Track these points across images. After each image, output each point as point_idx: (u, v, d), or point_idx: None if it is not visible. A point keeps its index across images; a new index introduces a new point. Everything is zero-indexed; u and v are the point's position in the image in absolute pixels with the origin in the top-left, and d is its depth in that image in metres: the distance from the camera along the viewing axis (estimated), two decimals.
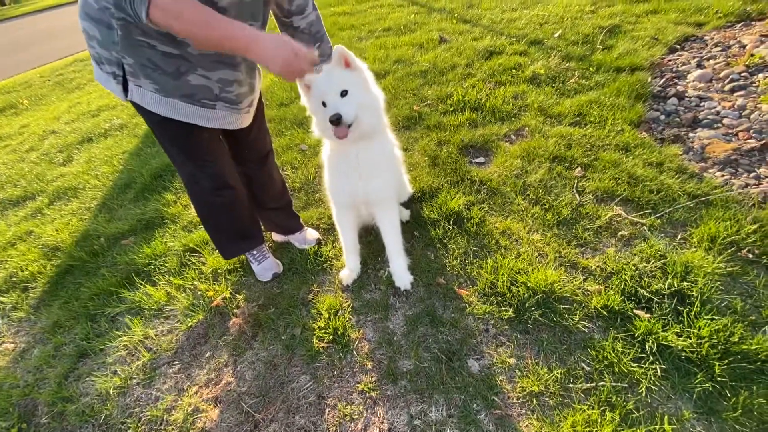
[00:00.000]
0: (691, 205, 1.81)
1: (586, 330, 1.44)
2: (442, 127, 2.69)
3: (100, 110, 4.28)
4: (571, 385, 1.30)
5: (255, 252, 1.83)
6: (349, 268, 1.74)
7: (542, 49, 3.48)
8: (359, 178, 1.48)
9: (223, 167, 1.52)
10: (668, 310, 1.44)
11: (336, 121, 1.25)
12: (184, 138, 1.39)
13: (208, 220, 1.70)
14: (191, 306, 1.79)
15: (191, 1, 0.97)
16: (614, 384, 1.28)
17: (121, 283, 1.95)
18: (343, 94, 1.28)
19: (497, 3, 4.99)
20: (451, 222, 1.94)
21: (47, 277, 2.15)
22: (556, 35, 3.68)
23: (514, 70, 3.21)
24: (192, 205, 1.94)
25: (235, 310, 1.74)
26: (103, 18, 1.09)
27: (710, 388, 1.22)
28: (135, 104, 1.28)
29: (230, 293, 1.82)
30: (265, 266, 1.83)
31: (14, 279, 2.17)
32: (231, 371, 1.54)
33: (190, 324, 1.72)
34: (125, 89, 1.22)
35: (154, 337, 1.71)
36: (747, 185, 1.88)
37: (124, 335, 1.73)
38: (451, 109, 2.86)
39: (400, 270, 1.69)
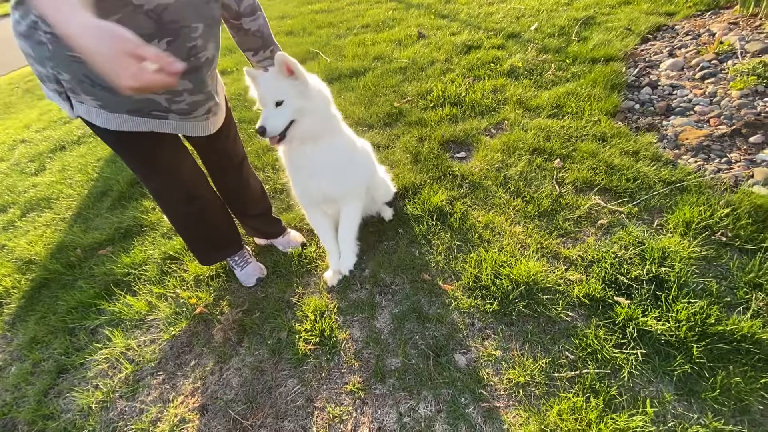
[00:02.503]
0: (667, 192, 1.85)
1: (569, 319, 1.46)
2: (423, 123, 2.69)
3: None
4: (556, 374, 1.32)
5: (237, 258, 1.80)
6: (332, 269, 1.73)
7: (519, 43, 3.51)
8: (310, 177, 1.46)
9: (190, 176, 1.47)
10: (647, 295, 1.47)
11: (260, 133, 1.26)
12: (145, 151, 1.30)
13: (183, 231, 1.63)
14: (174, 314, 1.75)
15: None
16: (597, 371, 1.31)
17: (100, 294, 1.89)
18: (279, 104, 1.26)
19: None
20: (434, 218, 1.95)
21: (22, 292, 2.08)
22: (532, 28, 3.71)
23: (492, 64, 3.23)
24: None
25: (219, 317, 1.71)
26: (33, 35, 1.01)
27: (689, 370, 1.26)
28: (86, 121, 1.18)
29: (213, 300, 1.79)
30: (248, 271, 1.80)
31: None
32: (217, 379, 1.51)
33: (173, 333, 1.69)
34: (72, 106, 1.14)
35: (137, 348, 1.67)
36: (719, 170, 1.93)
37: (105, 348, 1.68)
38: (432, 104, 2.87)
39: (343, 255, 1.58)
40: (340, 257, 1.59)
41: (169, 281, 1.90)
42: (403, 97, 3.05)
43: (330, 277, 1.73)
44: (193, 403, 1.46)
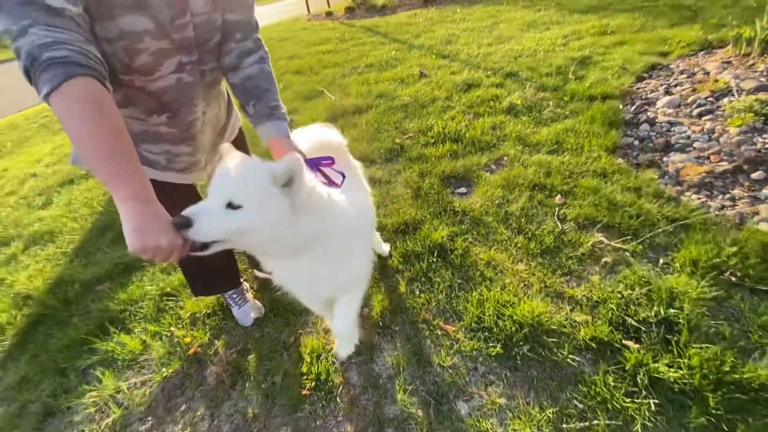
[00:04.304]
0: (671, 229, 1.82)
1: (575, 364, 1.40)
2: (424, 158, 2.72)
3: None
4: (564, 426, 1.25)
5: (235, 295, 1.77)
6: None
7: (518, 81, 3.61)
8: (301, 286, 1.21)
9: None
10: (657, 339, 1.41)
11: (177, 225, 0.84)
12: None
13: (182, 266, 1.64)
14: (167, 354, 1.70)
15: (97, 117, 0.77)
16: (609, 422, 1.23)
17: (94, 332, 1.85)
18: (233, 206, 0.86)
19: (473, 39, 5.23)
20: (435, 254, 1.92)
21: (17, 329, 2.04)
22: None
23: (491, 102, 3.31)
24: None
25: (212, 357, 1.66)
26: None
27: (706, 422, 1.18)
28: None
29: (209, 339, 1.74)
30: (246, 310, 1.76)
31: None
32: (207, 426, 1.44)
33: (165, 374, 1.63)
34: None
35: (126, 391, 1.61)
36: (723, 207, 1.91)
37: (94, 390, 1.62)
38: (432, 140, 2.91)
39: (341, 343, 1.39)
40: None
41: (164, 319, 1.86)
42: (404, 133, 3.11)
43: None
44: None
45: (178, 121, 1.16)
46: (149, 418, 1.51)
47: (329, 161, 1.17)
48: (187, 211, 0.85)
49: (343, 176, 1.20)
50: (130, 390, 1.61)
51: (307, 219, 0.93)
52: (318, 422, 1.38)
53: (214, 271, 1.68)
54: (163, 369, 1.65)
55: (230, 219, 0.86)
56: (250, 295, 1.83)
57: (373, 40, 6.36)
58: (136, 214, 0.79)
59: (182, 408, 1.52)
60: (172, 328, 1.81)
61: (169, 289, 2.00)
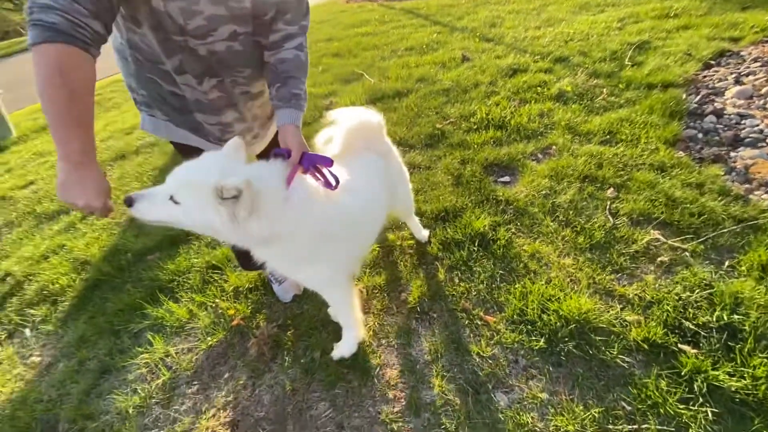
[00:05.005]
0: (738, 230, 1.69)
1: (625, 365, 1.33)
2: (466, 145, 2.65)
3: (133, 128, 4.47)
4: (610, 426, 1.20)
5: (275, 272, 1.81)
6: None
7: (568, 67, 3.42)
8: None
9: None
10: (717, 345, 1.32)
11: (125, 201, 0.99)
12: None
13: None
14: (212, 324, 1.78)
15: (59, 81, 0.84)
16: (660, 427, 1.17)
17: (145, 298, 1.96)
18: (174, 201, 0.97)
19: (520, 21, 4.99)
20: (476, 243, 1.88)
21: (76, 291, 2.20)
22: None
23: (539, 88, 3.16)
24: None
25: (254, 330, 1.71)
26: (122, 51, 1.14)
27: None
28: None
29: (250, 312, 1.80)
30: (286, 287, 1.81)
31: (45, 292, 2.23)
32: (249, 394, 1.50)
33: (210, 343, 1.71)
34: (143, 119, 1.28)
35: (175, 356, 1.70)
36: None
37: (146, 352, 1.72)
38: (475, 127, 2.83)
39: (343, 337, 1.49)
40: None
41: (209, 290, 1.94)
42: (445, 118, 3.04)
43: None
44: (225, 417, 1.45)
45: (225, 85, 1.19)
46: (195, 383, 1.59)
47: (328, 162, 1.13)
48: (136, 193, 1.01)
49: (337, 181, 1.15)
50: (178, 355, 1.70)
51: (256, 223, 0.96)
52: (355, 400, 1.40)
53: None
54: (208, 338, 1.72)
55: (168, 210, 0.97)
56: None
57: (413, 22, 6.20)
58: (64, 173, 0.91)
59: (225, 376, 1.59)
60: (217, 300, 1.88)
61: (214, 262, 2.07)
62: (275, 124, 1.31)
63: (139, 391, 1.58)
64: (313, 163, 1.14)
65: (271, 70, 1.20)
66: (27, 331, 2.03)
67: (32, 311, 2.12)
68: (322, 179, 1.15)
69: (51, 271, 2.34)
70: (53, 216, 3.03)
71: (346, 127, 1.37)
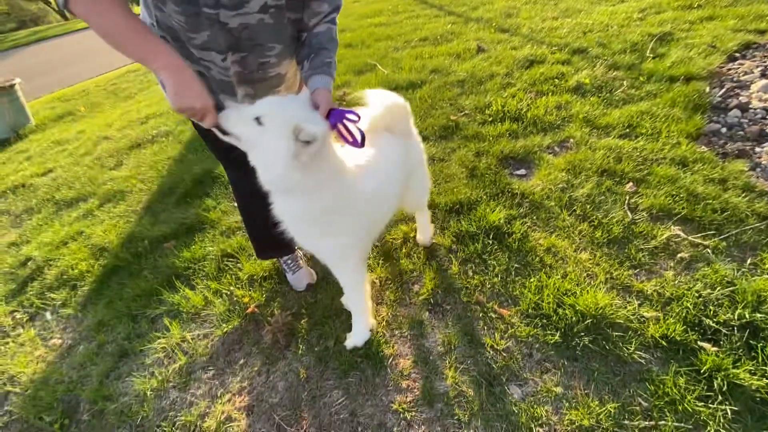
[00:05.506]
0: (762, 227, 1.64)
1: (642, 361, 1.32)
2: (481, 137, 2.62)
3: (148, 118, 4.52)
4: (626, 422, 1.19)
5: (289, 261, 1.82)
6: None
7: (586, 58, 3.34)
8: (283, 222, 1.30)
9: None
10: (739, 344, 1.29)
11: (216, 107, 1.07)
12: (221, 147, 1.40)
13: (246, 224, 1.77)
14: (227, 311, 1.80)
15: (114, 8, 0.93)
16: (677, 424, 1.16)
17: (162, 285, 2.00)
18: (259, 122, 1.04)
19: (537, 12, 4.88)
20: (490, 236, 1.86)
21: (94, 276, 2.25)
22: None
23: (556, 80, 3.10)
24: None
25: (269, 318, 1.73)
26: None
27: None
28: None
29: (265, 300, 1.82)
30: (299, 276, 1.82)
31: (65, 277, 2.28)
32: (264, 380, 1.53)
33: (225, 329, 1.73)
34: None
35: (191, 341, 1.73)
36: None
37: (163, 337, 1.76)
38: (490, 119, 2.79)
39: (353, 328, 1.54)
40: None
41: (225, 278, 1.96)
42: (460, 110, 3.00)
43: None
44: (240, 402, 1.47)
45: (250, 61, 1.19)
46: (210, 368, 1.62)
47: (356, 117, 1.11)
48: (229, 103, 1.08)
49: (363, 134, 1.13)
50: (194, 340, 1.73)
51: (300, 172, 1.05)
52: (368, 389, 1.41)
53: (272, 235, 1.73)
54: (224, 324, 1.75)
55: (248, 126, 1.04)
56: (303, 263, 1.88)
57: (427, 12, 6.12)
58: (173, 80, 0.95)
59: (240, 362, 1.61)
60: (232, 287, 1.91)
61: (229, 250, 2.10)
62: None
63: (157, 375, 1.61)
64: (341, 118, 1.11)
65: (305, 44, 1.24)
66: (48, 315, 2.08)
67: (53, 295, 2.17)
68: (349, 136, 1.13)
69: (70, 257, 2.40)
70: (71, 203, 3.09)
71: (379, 107, 1.39)
